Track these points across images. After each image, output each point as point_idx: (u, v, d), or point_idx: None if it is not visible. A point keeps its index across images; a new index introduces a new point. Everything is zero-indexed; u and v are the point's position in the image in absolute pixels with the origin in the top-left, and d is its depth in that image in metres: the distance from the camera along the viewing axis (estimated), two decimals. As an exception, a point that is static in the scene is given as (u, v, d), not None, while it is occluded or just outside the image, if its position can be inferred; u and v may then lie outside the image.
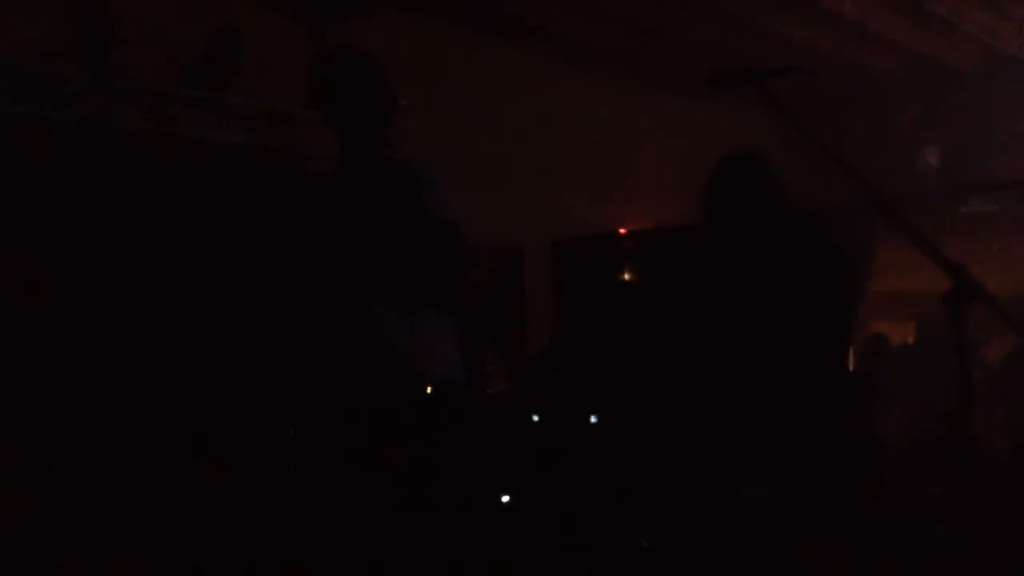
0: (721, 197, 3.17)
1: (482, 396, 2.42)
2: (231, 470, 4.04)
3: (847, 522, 3.20)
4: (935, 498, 3.95)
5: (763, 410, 3.19)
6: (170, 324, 4.35)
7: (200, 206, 4.57)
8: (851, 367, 3.22)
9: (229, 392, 4.34)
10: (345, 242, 2.51)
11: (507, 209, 5.37)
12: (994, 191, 6.64)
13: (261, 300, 4.51)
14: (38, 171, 4.04)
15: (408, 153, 2.79)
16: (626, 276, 6.22)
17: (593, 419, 3.62)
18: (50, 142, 4.22)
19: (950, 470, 3.48)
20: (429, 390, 2.35)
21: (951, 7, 5.99)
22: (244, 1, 4.94)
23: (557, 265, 6.13)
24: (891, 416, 3.62)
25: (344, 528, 2.95)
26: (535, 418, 3.46)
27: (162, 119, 4.60)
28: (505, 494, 2.42)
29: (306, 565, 3.24)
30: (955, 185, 7.12)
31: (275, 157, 5.07)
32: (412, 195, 2.49)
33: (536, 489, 2.55)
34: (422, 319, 2.43)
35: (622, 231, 6.93)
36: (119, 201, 4.28)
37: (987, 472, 3.45)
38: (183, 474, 3.88)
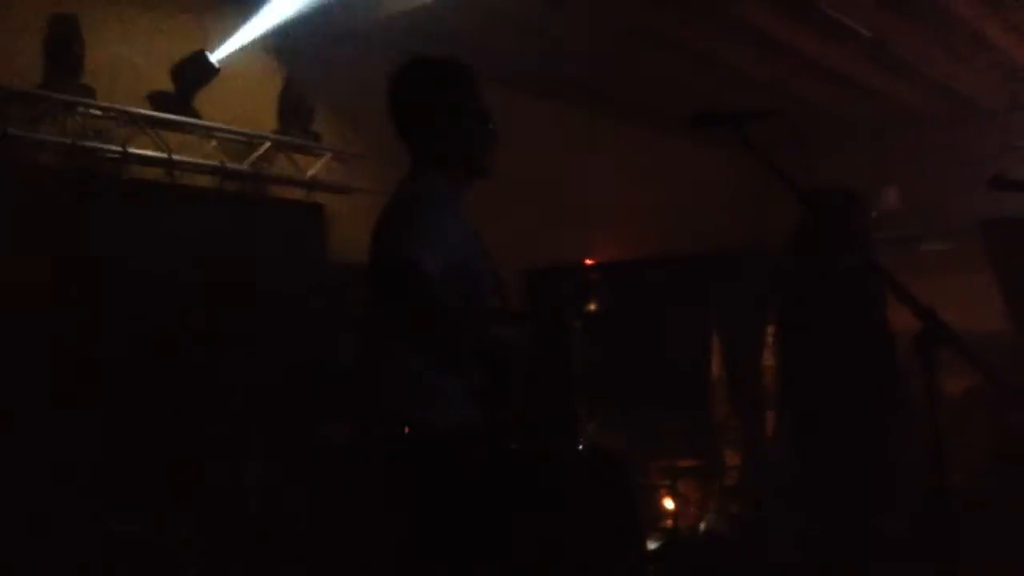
0: (816, 230, 3.53)
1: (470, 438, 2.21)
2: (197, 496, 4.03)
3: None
4: (899, 537, 4.01)
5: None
6: (140, 346, 4.33)
7: (172, 227, 4.58)
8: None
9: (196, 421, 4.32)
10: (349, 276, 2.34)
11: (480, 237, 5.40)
12: (953, 231, 6.78)
13: (236, 325, 4.51)
14: (8, 192, 4.03)
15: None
16: (592, 306, 6.27)
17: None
18: (20, 163, 4.22)
19: (921, 508, 3.58)
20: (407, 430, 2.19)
21: (915, 52, 6.14)
22: (214, 30, 4.97)
23: (530, 293, 6.19)
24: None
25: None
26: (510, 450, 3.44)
27: (130, 142, 4.61)
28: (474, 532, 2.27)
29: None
30: (915, 225, 7.25)
31: (246, 181, 5.09)
32: (378, 225, 2.27)
33: (508, 524, 2.45)
34: (399, 359, 2.27)
35: (588, 262, 7.00)
36: (89, 221, 4.28)
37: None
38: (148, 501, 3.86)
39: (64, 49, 4.33)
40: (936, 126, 7.46)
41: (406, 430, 2.21)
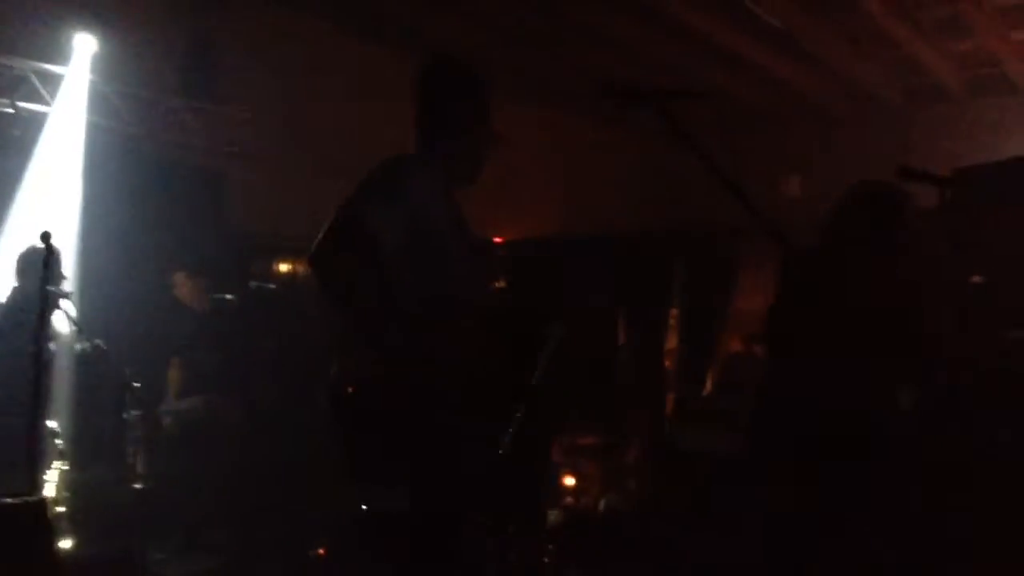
0: (853, 221, 3.24)
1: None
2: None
3: None
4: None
5: None
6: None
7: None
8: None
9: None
10: None
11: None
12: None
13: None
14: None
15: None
16: (499, 284, 6.26)
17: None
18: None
19: None
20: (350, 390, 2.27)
21: (821, 44, 6.24)
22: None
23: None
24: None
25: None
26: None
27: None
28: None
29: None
30: (816, 214, 7.38)
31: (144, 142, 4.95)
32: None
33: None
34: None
35: (497, 240, 6.98)
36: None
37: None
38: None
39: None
40: (839, 118, 7.62)
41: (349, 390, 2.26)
